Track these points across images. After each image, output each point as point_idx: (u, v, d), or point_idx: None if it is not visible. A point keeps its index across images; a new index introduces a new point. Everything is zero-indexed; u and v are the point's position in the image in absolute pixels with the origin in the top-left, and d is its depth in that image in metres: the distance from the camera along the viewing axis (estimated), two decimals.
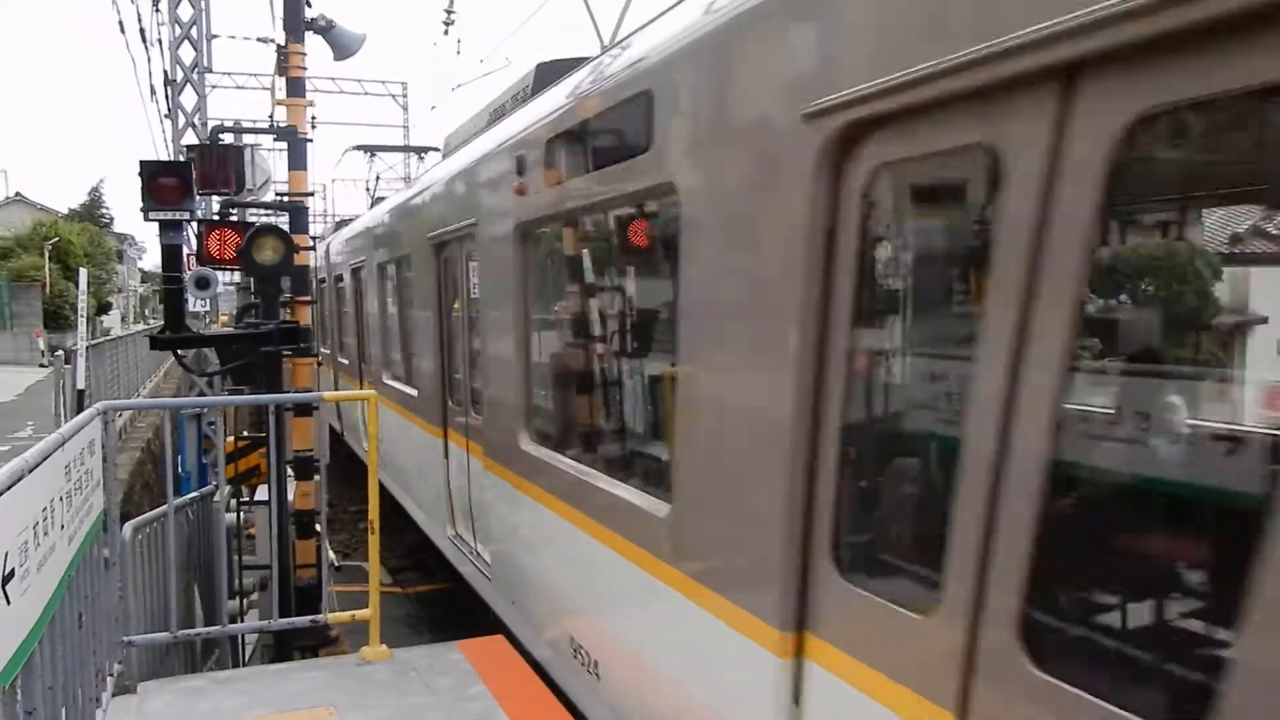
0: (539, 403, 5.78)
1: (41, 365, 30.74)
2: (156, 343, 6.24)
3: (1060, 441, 2.23)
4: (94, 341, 17.32)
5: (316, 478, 7.78)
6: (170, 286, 6.10)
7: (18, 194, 57.07)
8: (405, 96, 57.63)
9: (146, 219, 5.81)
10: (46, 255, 33.08)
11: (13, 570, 3.01)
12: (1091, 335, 2.78)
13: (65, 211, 49.88)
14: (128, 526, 5.56)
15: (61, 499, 3.88)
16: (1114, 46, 2.00)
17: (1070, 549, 2.52)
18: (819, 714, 3.06)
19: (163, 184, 5.83)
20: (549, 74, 6.14)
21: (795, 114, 2.97)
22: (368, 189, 22.61)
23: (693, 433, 3.68)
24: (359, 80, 51.21)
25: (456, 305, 7.39)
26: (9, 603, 2.96)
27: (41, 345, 31.31)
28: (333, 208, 65.73)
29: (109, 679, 5.14)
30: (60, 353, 11.97)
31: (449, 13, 17.27)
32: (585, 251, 5.23)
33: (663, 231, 4.20)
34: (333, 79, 50.33)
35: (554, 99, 5.27)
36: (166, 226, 5.90)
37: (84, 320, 11.89)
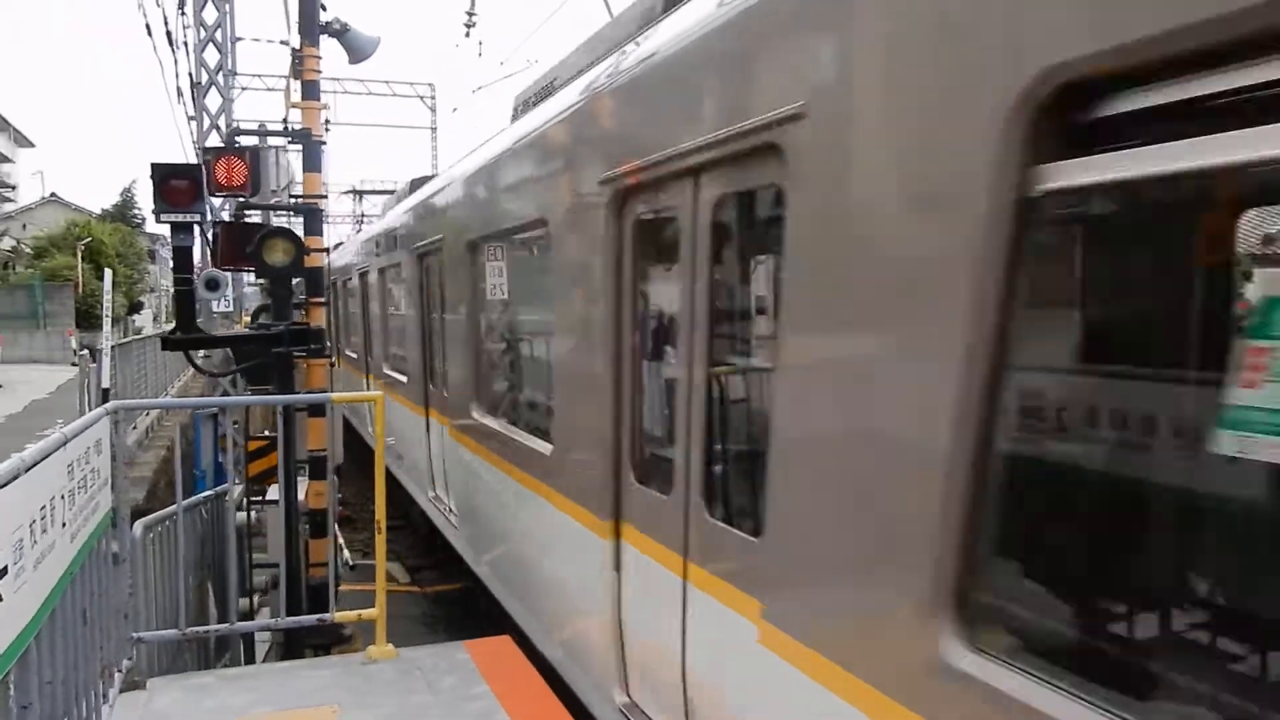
0: (482, 381, 7.38)
1: (73, 364, 31.22)
2: (168, 343, 6.32)
3: (716, 376, 3.88)
4: (121, 341, 17.60)
5: (331, 477, 7.85)
6: (181, 288, 6.18)
7: (53, 194, 57.93)
8: (433, 98, 57.82)
9: (158, 221, 5.90)
10: (79, 255, 33.53)
11: (4, 567, 3.07)
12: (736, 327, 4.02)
13: (98, 212, 50.63)
14: (139, 524, 5.63)
15: (63, 497, 3.95)
16: (711, 160, 3.66)
17: (735, 454, 3.91)
18: (628, 573, 4.62)
19: (174, 186, 5.91)
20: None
21: (596, 180, 4.64)
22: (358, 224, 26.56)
23: (561, 398, 5.40)
24: (387, 82, 51.41)
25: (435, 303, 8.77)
26: (1, 599, 3.02)
27: (74, 344, 31.79)
28: (361, 207, 66.42)
29: (117, 675, 5.21)
30: (85, 352, 12.14)
31: (470, 15, 17.34)
32: (494, 265, 7.00)
33: (540, 252, 5.96)
34: (361, 80, 50.47)
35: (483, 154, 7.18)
36: (177, 228, 5.98)
37: (109, 320, 12.07)
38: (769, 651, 3.23)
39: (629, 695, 4.66)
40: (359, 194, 25.72)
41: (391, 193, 14.80)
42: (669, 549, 4.12)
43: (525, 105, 6.89)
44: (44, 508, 3.60)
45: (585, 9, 11.76)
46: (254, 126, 17.25)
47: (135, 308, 39.15)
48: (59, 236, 36.15)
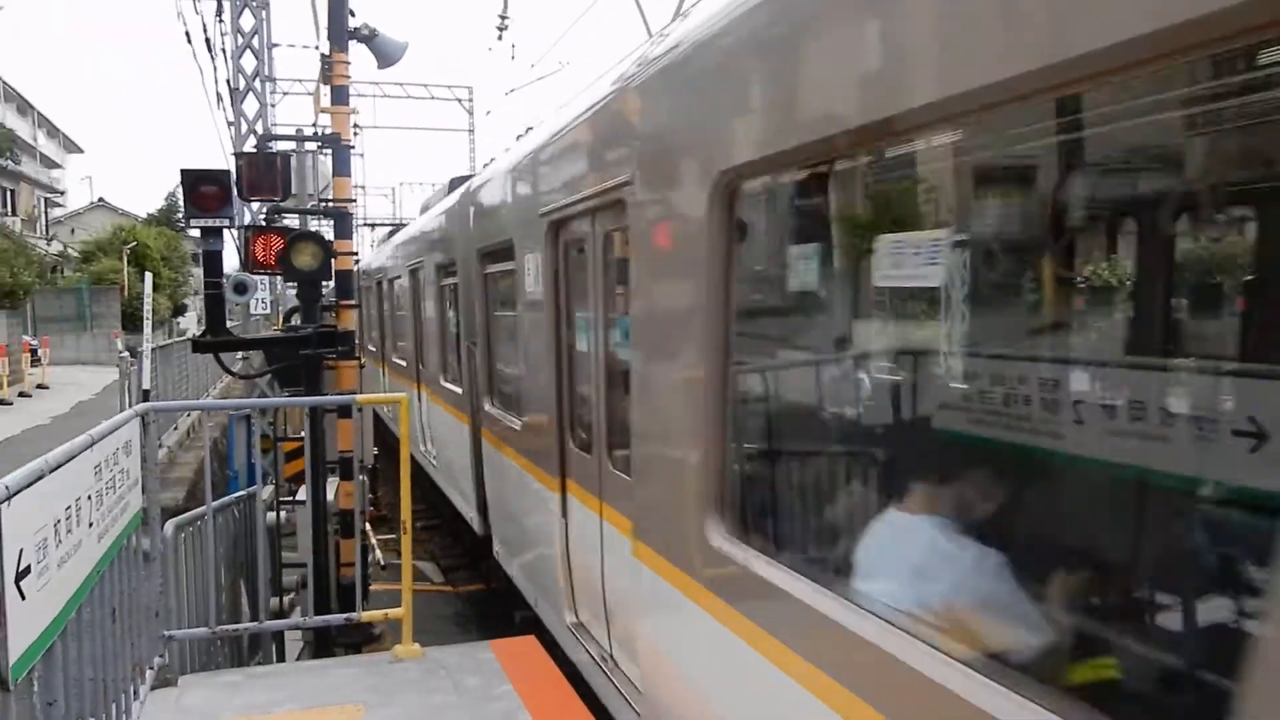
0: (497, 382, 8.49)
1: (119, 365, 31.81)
2: (199, 346, 6.44)
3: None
4: (163, 343, 17.90)
5: (360, 478, 7.95)
6: (211, 291, 6.30)
7: (100, 200, 59.08)
8: (471, 101, 58.09)
9: (188, 225, 6.00)
10: (125, 259, 34.20)
11: (28, 567, 3.15)
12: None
13: (144, 216, 51.56)
14: (169, 524, 5.73)
15: (90, 498, 4.04)
16: (599, 205, 5.05)
17: (622, 420, 4.92)
18: (571, 518, 5.92)
19: (204, 192, 6.02)
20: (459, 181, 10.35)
21: (538, 211, 6.03)
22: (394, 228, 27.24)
23: (524, 387, 6.85)
24: (425, 85, 51.72)
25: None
26: (24, 598, 3.10)
27: (119, 346, 32.46)
28: (400, 210, 67.01)
29: (149, 671, 5.32)
30: (126, 354, 12.36)
31: (503, 18, 17.45)
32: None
33: (505, 271, 7.33)
34: (400, 84, 50.95)
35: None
36: (207, 233, 6.08)
37: (149, 322, 12.28)
38: (637, 560, 4.50)
39: (576, 616, 6.00)
40: (372, 225, 26.80)
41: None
42: (590, 494, 5.52)
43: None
44: (69, 508, 3.69)
45: (614, 10, 11.78)
46: (291, 131, 17.45)
47: (180, 310, 39.82)
48: (105, 241, 36.89)
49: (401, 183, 75.34)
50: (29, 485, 3.27)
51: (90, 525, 4.03)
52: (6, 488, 3.08)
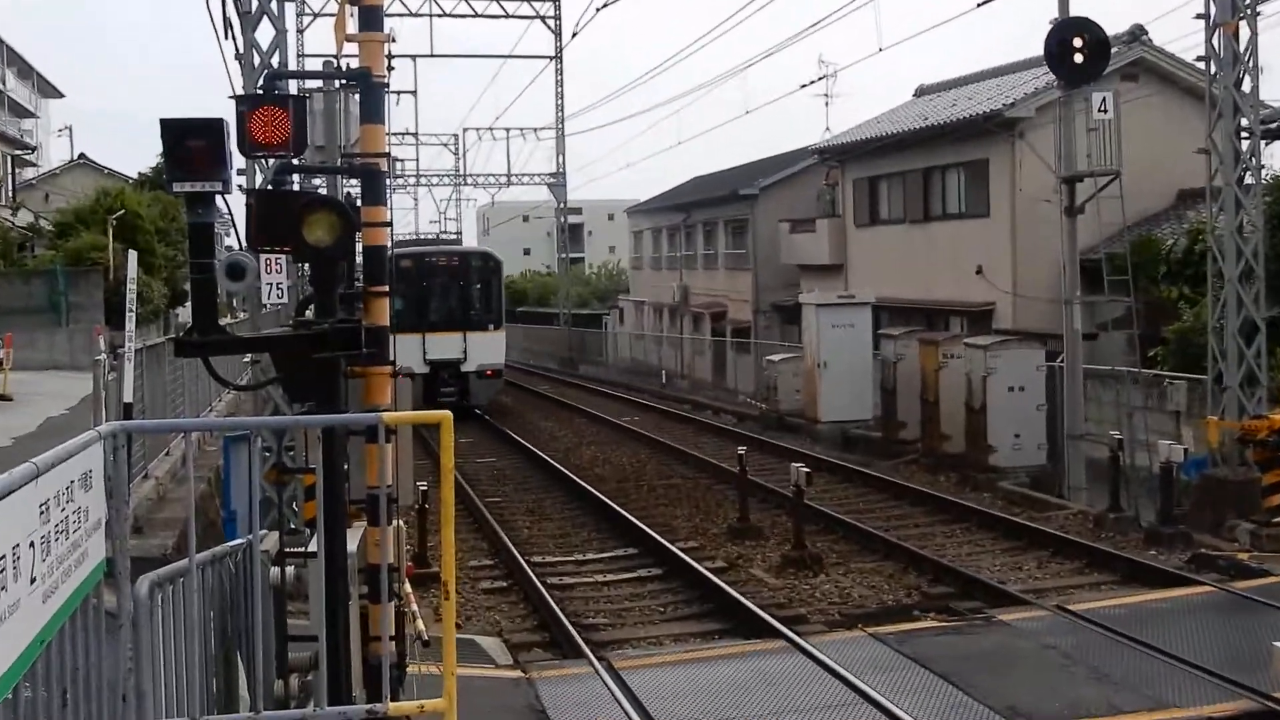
0: None
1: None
2: (183, 347, 6.66)
3: None
4: (153, 342, 18.53)
5: (394, 523, 8.10)
6: (199, 275, 6.50)
7: (82, 157, 61.52)
8: (556, 18, 58.96)
9: (171, 192, 6.23)
10: (110, 232, 35.20)
11: None
12: None
13: (135, 177, 53.38)
14: (144, 580, 5.92)
15: (32, 545, 4.20)
16: None
17: None
18: None
19: (191, 148, 6.23)
20: None
21: None
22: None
23: None
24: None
25: None
26: None
27: (102, 345, 33.59)
28: (465, 165, 67.98)
29: None
30: (103, 357, 12.87)
31: None
32: None
33: None
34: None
35: None
36: (194, 201, 6.30)
37: (132, 315, 12.76)
38: None
39: None
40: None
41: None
42: None
43: None
44: (2, 559, 3.85)
45: None
46: (320, 66, 17.70)
47: (179, 298, 40.96)
48: (86, 210, 38.01)
49: (465, 129, 76.26)
50: None
51: (33, 581, 4.20)
52: None
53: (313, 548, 7.18)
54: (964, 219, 33.11)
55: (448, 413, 6.19)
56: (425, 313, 38.42)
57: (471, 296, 39.25)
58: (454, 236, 65.18)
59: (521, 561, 17.35)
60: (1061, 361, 21.69)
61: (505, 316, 42.09)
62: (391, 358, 8.05)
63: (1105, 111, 20.05)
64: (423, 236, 67.67)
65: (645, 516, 20.41)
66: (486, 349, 38.52)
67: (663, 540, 18.07)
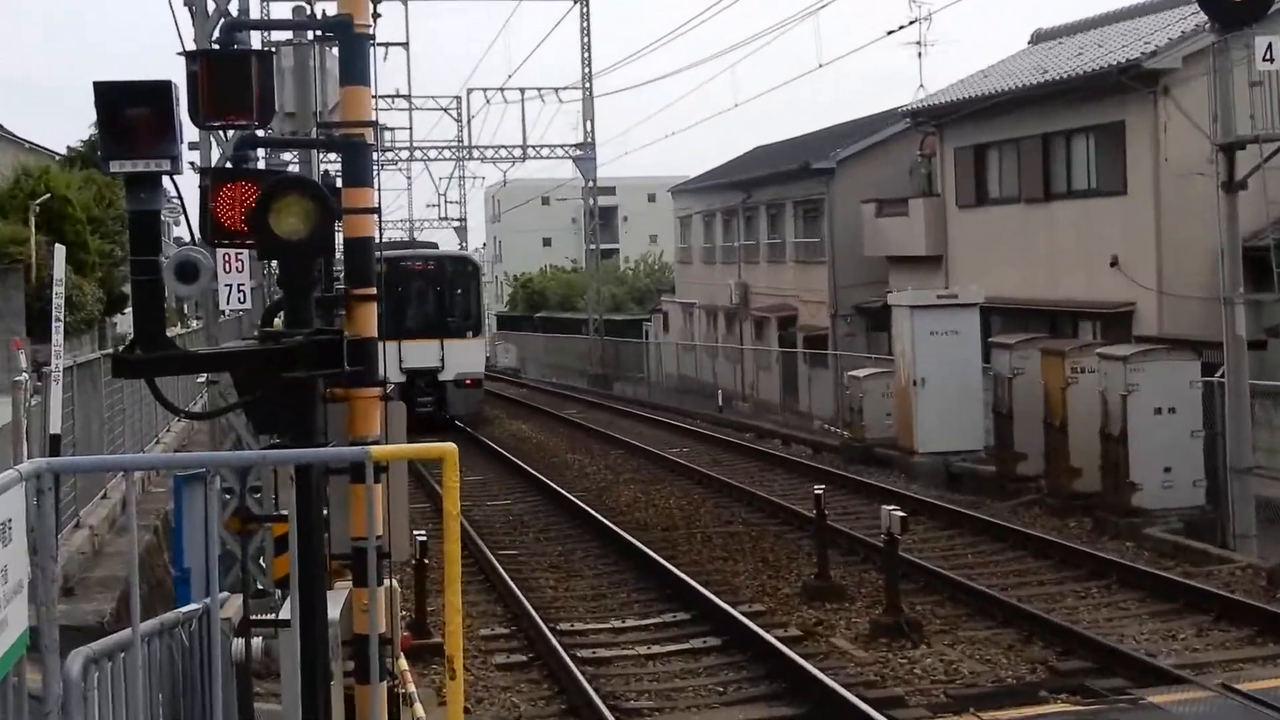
0: None
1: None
2: (121, 366, 6.63)
3: None
4: (86, 358, 18.62)
5: (386, 583, 8.08)
6: (141, 277, 6.47)
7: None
8: None
9: (107, 172, 6.22)
10: (33, 222, 35.39)
11: None
12: None
13: (63, 153, 53.73)
14: (76, 656, 5.92)
15: None
16: None
17: None
18: None
19: (131, 118, 6.21)
20: None
21: None
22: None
23: None
24: None
25: None
26: None
27: (24, 362, 33.79)
28: (471, 135, 67.92)
29: None
30: (24, 376, 12.95)
31: None
32: None
33: None
34: None
35: None
36: (135, 183, 6.28)
37: (60, 326, 12.86)
38: None
39: None
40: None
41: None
42: None
43: None
44: None
45: None
46: (290, 14, 17.77)
47: (117, 302, 41.12)
48: (3, 194, 38.23)
49: (471, 90, 76.23)
50: None
51: None
52: None
53: (285, 614, 7.15)
54: (1094, 197, 32.83)
55: (451, 445, 6.15)
56: (400, 319, 40.76)
57: (449, 302, 43.29)
58: (431, 242, 65.35)
59: (545, 630, 17.25)
60: (1222, 376, 21.37)
61: (501, 323, 44.70)
62: (381, 376, 8.04)
63: (1271, 60, 19.77)
64: (393, 241, 68.39)
65: (699, 573, 20.28)
66: (465, 357, 42.80)
67: (721, 602, 17.92)
